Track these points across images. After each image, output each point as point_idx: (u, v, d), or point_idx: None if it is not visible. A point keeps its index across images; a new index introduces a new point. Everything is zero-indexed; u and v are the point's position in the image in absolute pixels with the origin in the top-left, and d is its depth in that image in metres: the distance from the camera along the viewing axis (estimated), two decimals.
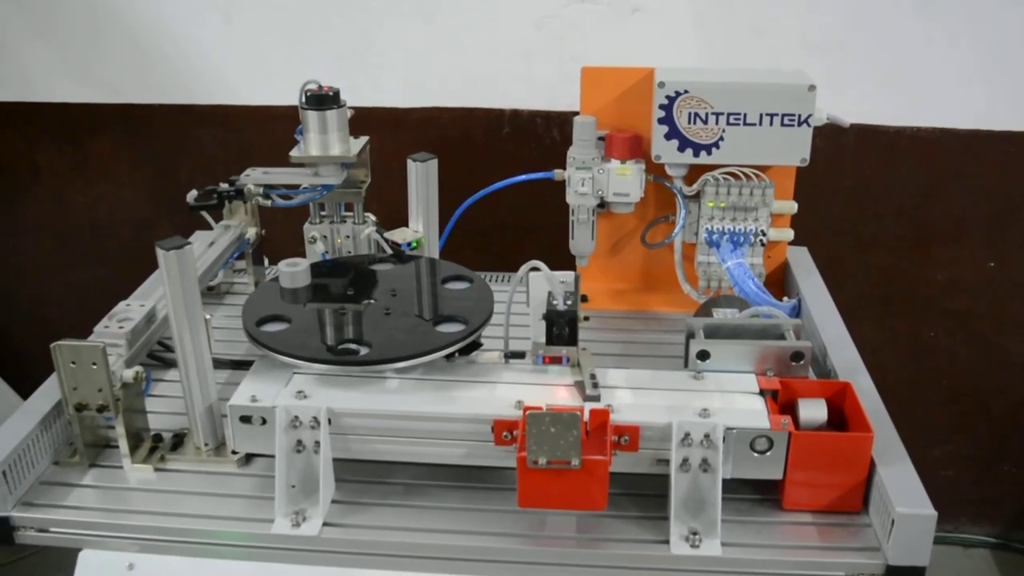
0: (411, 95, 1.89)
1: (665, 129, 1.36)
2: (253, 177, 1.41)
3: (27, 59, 1.94)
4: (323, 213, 1.44)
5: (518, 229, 1.93)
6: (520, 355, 1.13)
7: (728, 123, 1.35)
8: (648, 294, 1.54)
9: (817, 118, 1.34)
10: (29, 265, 2.15)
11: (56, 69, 1.95)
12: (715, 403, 1.04)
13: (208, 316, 1.09)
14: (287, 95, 1.74)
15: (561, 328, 1.09)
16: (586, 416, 0.99)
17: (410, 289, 1.27)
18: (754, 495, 1.06)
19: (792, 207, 1.45)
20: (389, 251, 1.39)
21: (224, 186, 1.39)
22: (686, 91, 1.34)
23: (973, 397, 2.03)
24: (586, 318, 1.14)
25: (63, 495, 1.08)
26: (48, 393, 1.15)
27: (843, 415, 1.07)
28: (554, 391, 1.08)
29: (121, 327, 1.17)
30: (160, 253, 1.03)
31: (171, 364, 1.31)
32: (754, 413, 1.03)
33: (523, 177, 1.47)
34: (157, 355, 1.32)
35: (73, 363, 1.06)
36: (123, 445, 1.11)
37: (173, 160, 1.99)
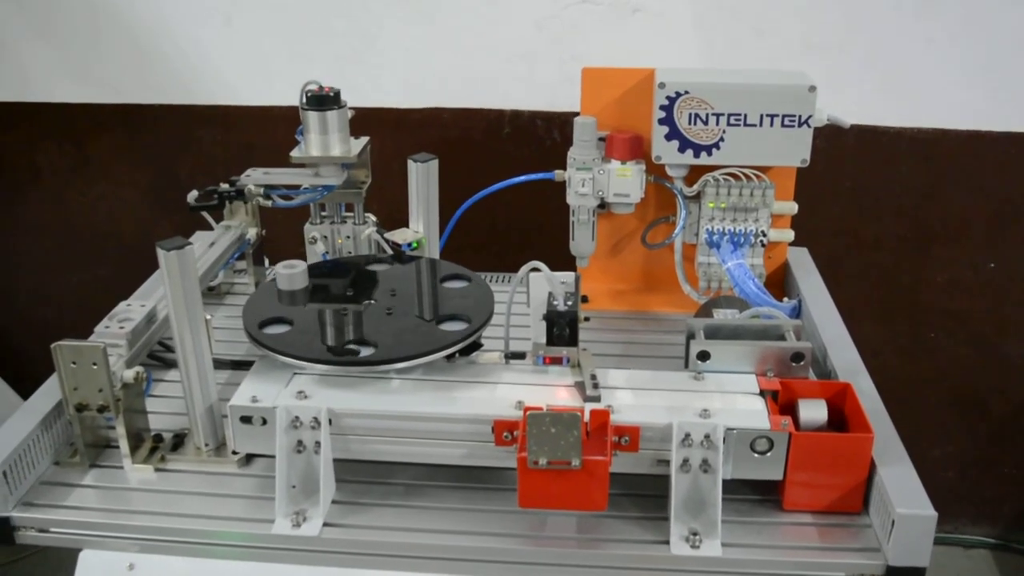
0: (411, 95, 1.89)
1: (665, 130, 1.36)
2: (254, 177, 1.41)
3: (27, 59, 1.94)
4: (324, 213, 1.44)
5: (518, 230, 1.93)
6: (520, 355, 1.13)
7: (728, 124, 1.35)
8: (648, 295, 1.54)
9: (817, 119, 1.34)
10: (29, 265, 2.15)
11: (56, 69, 1.95)
12: (715, 404, 1.04)
13: (209, 316, 1.09)
14: (288, 95, 1.74)
15: (561, 329, 1.09)
16: (586, 416, 0.99)
17: (409, 289, 1.27)
18: (754, 496, 1.06)
19: (792, 208, 1.45)
20: (389, 251, 1.39)
21: (225, 186, 1.39)
22: (687, 92, 1.34)
23: (973, 398, 2.03)
24: (586, 319, 1.14)
25: (63, 495, 1.08)
26: (48, 393, 1.15)
27: (843, 416, 1.07)
28: (554, 391, 1.08)
29: (122, 327, 1.17)
30: (161, 253, 1.03)
31: (172, 364, 1.31)
32: (754, 414, 1.03)
33: (523, 178, 1.48)
34: (158, 355, 1.32)
35: (74, 363, 1.06)
36: (124, 445, 1.11)
37: (173, 160, 2.00)
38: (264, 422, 1.04)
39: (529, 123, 1.88)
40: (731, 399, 1.06)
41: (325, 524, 1.02)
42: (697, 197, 1.43)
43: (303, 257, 1.44)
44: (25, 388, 2.02)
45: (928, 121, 1.80)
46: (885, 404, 1.13)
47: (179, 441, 1.15)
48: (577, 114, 1.43)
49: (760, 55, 1.78)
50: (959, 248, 1.89)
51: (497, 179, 1.49)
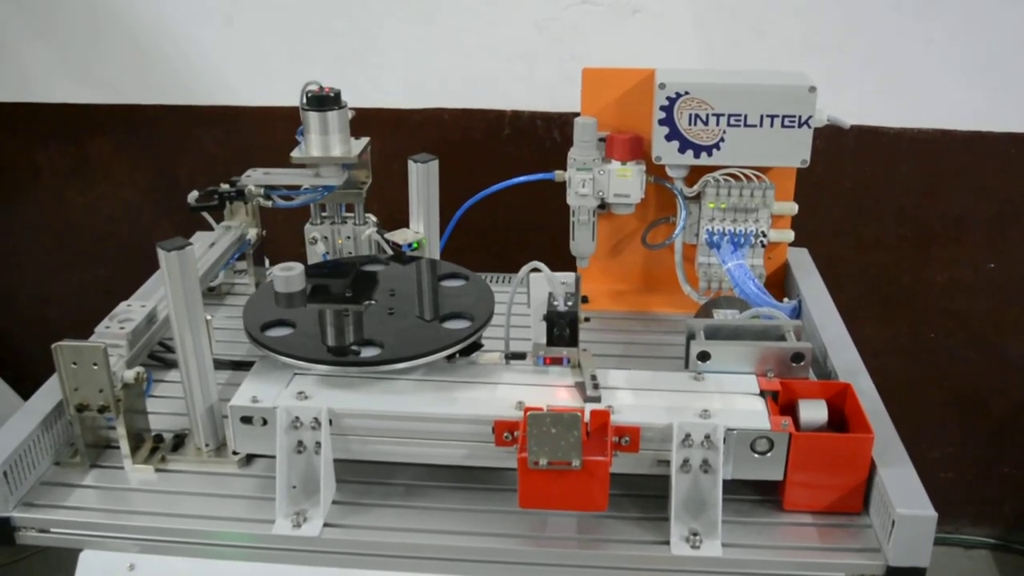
0: (412, 96, 1.89)
1: (666, 130, 1.36)
2: (254, 178, 1.41)
3: (27, 59, 1.94)
4: (324, 214, 1.44)
5: (519, 230, 1.93)
6: (521, 356, 1.13)
7: (729, 124, 1.35)
8: (649, 295, 1.54)
9: (818, 119, 1.34)
10: (29, 265, 2.15)
11: (56, 69, 1.95)
12: (716, 404, 1.04)
13: (209, 317, 1.09)
14: (288, 96, 1.74)
15: (562, 329, 1.09)
16: (587, 417, 0.99)
17: (408, 289, 1.27)
18: (754, 496, 1.06)
19: (792, 208, 1.45)
20: (390, 252, 1.39)
21: (225, 187, 1.39)
22: (687, 92, 1.34)
23: (973, 398, 2.03)
24: (587, 319, 1.14)
25: (64, 496, 1.08)
26: (49, 394, 1.15)
27: (843, 416, 1.07)
28: (555, 392, 1.08)
29: (122, 328, 1.17)
30: (161, 254, 1.03)
31: (172, 365, 1.31)
32: (755, 414, 1.03)
33: (524, 178, 1.48)
34: (158, 356, 1.32)
35: (74, 364, 1.06)
36: (124, 446, 1.11)
37: (174, 161, 1.99)
38: (264, 422, 1.04)
39: (529, 123, 1.88)
40: (731, 399, 1.06)
41: (325, 524, 1.02)
42: (697, 198, 1.43)
43: (303, 258, 1.44)
44: (25, 388, 2.02)
45: (928, 121, 1.80)
46: (885, 404, 1.13)
47: (179, 441, 1.15)
48: (577, 114, 1.43)
49: (760, 56, 1.78)
50: (959, 248, 1.89)
51: (497, 179, 1.49)
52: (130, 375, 1.10)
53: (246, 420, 1.05)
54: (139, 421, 1.14)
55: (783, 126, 1.34)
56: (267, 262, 1.58)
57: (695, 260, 1.46)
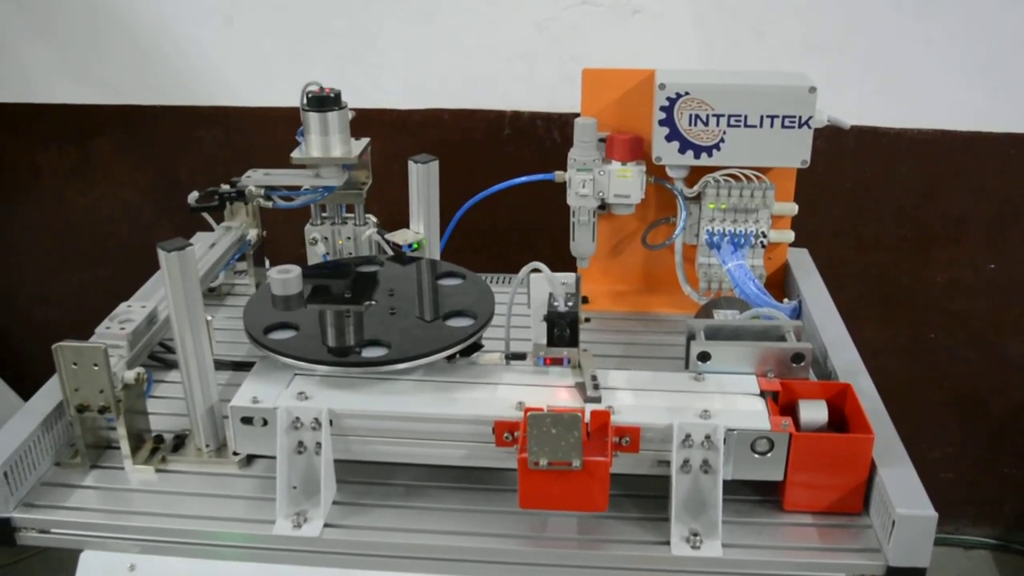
0: (412, 96, 1.89)
1: (666, 131, 1.36)
2: (254, 178, 1.41)
3: (27, 60, 1.94)
4: (324, 214, 1.44)
5: (519, 231, 1.93)
6: (521, 356, 1.13)
7: (729, 125, 1.35)
8: (649, 296, 1.54)
9: (818, 120, 1.34)
10: (30, 266, 2.15)
11: (56, 70, 1.95)
12: (716, 404, 1.04)
13: (209, 317, 1.09)
14: (288, 96, 1.74)
15: (562, 329, 1.09)
16: (587, 417, 0.99)
17: (407, 289, 1.27)
18: (755, 496, 1.06)
19: (792, 209, 1.45)
20: (390, 252, 1.39)
21: (225, 187, 1.39)
22: (687, 93, 1.34)
23: (973, 398, 2.03)
24: (587, 319, 1.14)
25: (64, 496, 1.08)
26: (49, 394, 1.15)
27: (844, 416, 1.07)
28: (555, 392, 1.08)
29: (122, 328, 1.17)
30: (162, 254, 1.03)
31: (172, 365, 1.31)
32: (755, 414, 1.03)
33: (524, 179, 1.48)
34: (158, 356, 1.32)
35: (75, 364, 1.06)
36: (124, 446, 1.11)
37: (174, 161, 2.00)
38: (265, 423, 1.04)
39: (529, 124, 1.88)
40: (731, 400, 1.06)
41: (326, 525, 1.02)
42: (697, 198, 1.43)
43: (304, 258, 1.44)
44: (25, 389, 2.02)
45: (928, 122, 1.80)
46: (885, 405, 1.13)
47: (180, 442, 1.15)
48: (577, 115, 1.43)
49: (760, 56, 1.78)
50: (959, 249, 1.89)
51: (497, 180, 1.49)
52: (130, 376, 1.10)
53: (246, 421, 1.05)
54: (139, 422, 1.14)
55: (783, 127, 1.34)
56: (267, 263, 1.58)
57: (695, 260, 1.46)
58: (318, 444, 1.03)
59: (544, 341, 1.10)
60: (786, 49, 1.77)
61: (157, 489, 1.09)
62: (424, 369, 1.11)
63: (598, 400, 1.05)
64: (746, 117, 1.34)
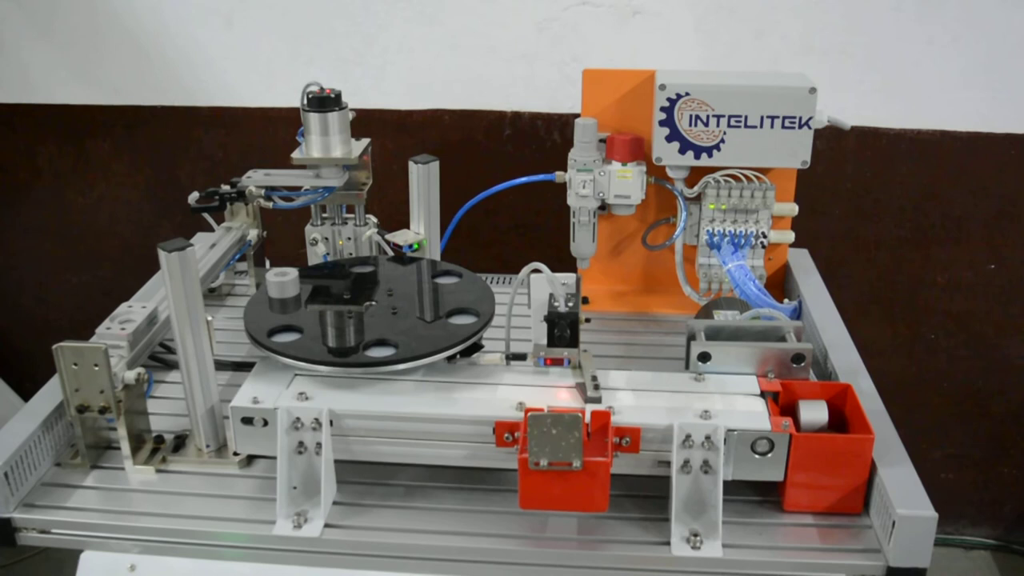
0: (412, 97, 1.89)
1: (666, 131, 1.36)
2: (255, 179, 1.41)
3: (28, 60, 1.95)
4: (324, 215, 1.44)
5: (519, 231, 1.93)
6: (521, 357, 1.14)
7: (729, 125, 1.35)
8: (649, 296, 1.54)
9: (818, 120, 1.34)
10: (30, 266, 2.15)
11: (57, 70, 1.95)
12: (716, 405, 1.04)
13: (210, 318, 1.09)
14: (288, 97, 1.74)
15: (562, 330, 1.09)
16: (587, 418, 0.99)
17: (405, 288, 1.27)
18: (755, 497, 1.06)
19: (793, 209, 1.45)
20: (391, 253, 1.39)
21: (226, 188, 1.39)
22: (687, 93, 1.34)
23: (973, 399, 2.03)
24: (587, 320, 1.14)
25: (65, 496, 1.08)
26: (50, 395, 1.15)
27: (844, 417, 1.07)
28: (555, 393, 1.08)
29: (123, 329, 1.17)
30: (162, 255, 1.03)
31: (173, 366, 1.31)
32: (755, 415, 1.03)
33: (524, 179, 1.48)
34: (159, 357, 1.32)
35: (75, 365, 1.06)
36: (125, 447, 1.11)
37: (174, 162, 2.00)
38: (265, 423, 1.04)
39: (530, 125, 1.88)
40: (732, 400, 1.06)
41: (326, 525, 1.02)
42: (698, 199, 1.43)
43: (304, 258, 1.44)
44: (26, 389, 2.02)
45: (928, 122, 1.81)
46: (885, 405, 1.13)
47: (180, 442, 1.15)
48: (578, 116, 1.43)
49: (760, 57, 1.78)
50: (959, 249, 1.89)
51: (498, 180, 1.49)
52: (131, 376, 1.10)
53: (247, 421, 1.05)
54: (140, 422, 1.14)
55: (783, 127, 1.34)
56: (268, 263, 1.59)
57: (695, 261, 1.46)
58: (318, 444, 1.03)
59: (544, 341, 1.10)
60: (786, 49, 1.77)
61: (157, 489, 1.09)
62: (425, 369, 1.11)
63: (598, 400, 1.05)
64: (746, 118, 1.34)
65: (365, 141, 1.42)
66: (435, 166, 1.39)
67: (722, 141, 1.36)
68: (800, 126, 1.34)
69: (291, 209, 1.39)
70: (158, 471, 1.12)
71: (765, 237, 1.42)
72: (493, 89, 1.86)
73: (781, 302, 1.41)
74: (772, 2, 1.75)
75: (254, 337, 1.13)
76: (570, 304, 1.09)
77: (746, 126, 1.34)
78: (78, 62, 1.94)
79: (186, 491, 1.09)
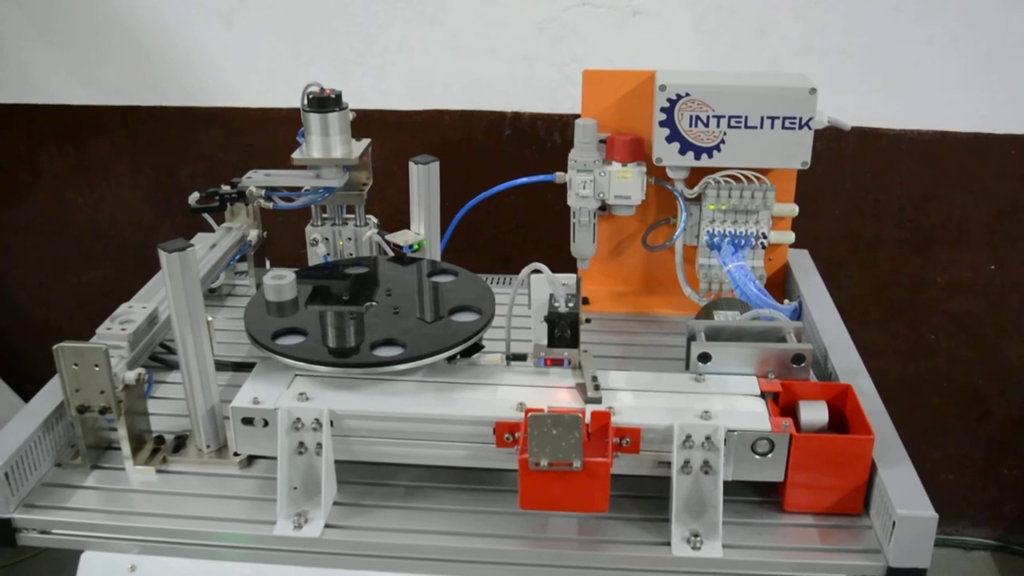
0: (413, 97, 1.89)
1: (666, 132, 1.36)
2: (255, 179, 1.41)
3: (28, 60, 1.95)
4: (325, 215, 1.44)
5: (519, 231, 1.93)
6: (522, 357, 1.14)
7: (729, 126, 1.35)
8: (649, 296, 1.54)
9: (818, 121, 1.34)
10: (30, 267, 2.15)
11: (57, 70, 1.95)
12: (716, 405, 1.04)
13: (210, 318, 1.09)
14: (289, 97, 1.74)
15: (563, 330, 1.09)
16: (587, 418, 0.99)
17: (404, 288, 1.27)
18: (755, 497, 1.06)
19: (793, 210, 1.45)
20: (391, 253, 1.39)
21: (226, 188, 1.39)
22: (687, 94, 1.34)
23: (974, 399, 2.03)
24: (587, 320, 1.14)
25: (65, 497, 1.08)
26: (50, 395, 1.15)
27: (844, 417, 1.07)
28: (556, 393, 1.08)
29: (123, 329, 1.17)
30: (162, 255, 1.03)
31: (173, 366, 1.31)
32: (755, 415, 1.03)
33: (524, 180, 1.48)
34: (159, 357, 1.32)
35: (75, 365, 1.06)
36: (125, 447, 1.11)
37: (174, 162, 2.00)
38: (266, 424, 1.04)
39: (530, 125, 1.88)
40: (732, 401, 1.06)
41: (327, 526, 1.02)
42: (698, 199, 1.43)
43: (304, 259, 1.44)
44: (26, 390, 2.02)
45: (928, 123, 1.81)
46: (886, 405, 1.13)
47: (181, 443, 1.15)
48: (578, 116, 1.43)
49: (761, 57, 1.78)
50: (959, 250, 1.89)
51: (498, 181, 1.49)
52: (131, 376, 1.10)
53: (247, 421, 1.05)
54: (140, 422, 1.14)
55: (783, 128, 1.34)
56: (268, 263, 1.59)
57: (696, 261, 1.46)
58: (319, 445, 1.03)
59: (545, 342, 1.10)
60: (786, 50, 1.77)
61: (158, 490, 1.09)
62: (425, 370, 1.11)
63: (599, 401, 1.05)
64: (746, 118, 1.34)
65: (365, 141, 1.42)
66: (435, 166, 1.39)
67: (722, 142, 1.36)
68: (800, 127, 1.34)
69: (291, 209, 1.40)
70: (158, 471, 1.12)
71: (765, 238, 1.42)
72: (493, 89, 1.86)
73: (781, 303, 1.41)
74: (772, 2, 1.75)
75: (254, 337, 1.13)
76: (570, 304, 1.09)
77: (746, 127, 1.34)
78: (78, 62, 1.94)
79: (186, 491, 1.09)
